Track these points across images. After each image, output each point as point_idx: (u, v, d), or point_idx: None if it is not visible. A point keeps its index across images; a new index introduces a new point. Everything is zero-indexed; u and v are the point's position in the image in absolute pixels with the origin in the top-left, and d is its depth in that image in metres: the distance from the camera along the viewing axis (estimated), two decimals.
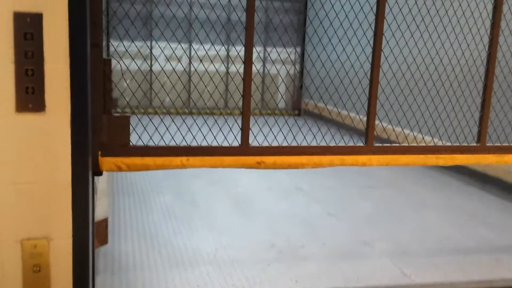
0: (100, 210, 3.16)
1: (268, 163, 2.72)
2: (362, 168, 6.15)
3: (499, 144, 3.02)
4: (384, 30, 2.72)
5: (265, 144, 2.74)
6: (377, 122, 2.83)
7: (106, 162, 2.44)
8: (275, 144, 2.75)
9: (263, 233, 3.87)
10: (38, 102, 2.14)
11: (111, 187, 4.85)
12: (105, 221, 3.14)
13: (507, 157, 3.00)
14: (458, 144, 2.95)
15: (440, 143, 3.04)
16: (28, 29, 2.06)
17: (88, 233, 2.27)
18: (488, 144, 2.98)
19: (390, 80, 3.23)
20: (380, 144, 2.82)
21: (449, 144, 2.96)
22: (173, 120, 2.71)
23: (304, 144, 2.78)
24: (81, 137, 2.19)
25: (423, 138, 3.51)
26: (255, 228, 3.98)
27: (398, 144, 2.85)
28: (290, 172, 5.88)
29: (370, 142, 2.81)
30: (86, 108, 2.18)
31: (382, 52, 2.74)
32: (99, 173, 2.42)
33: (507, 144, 3.04)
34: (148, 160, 2.53)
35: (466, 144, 2.98)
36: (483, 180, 5.37)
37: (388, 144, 2.83)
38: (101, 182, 3.21)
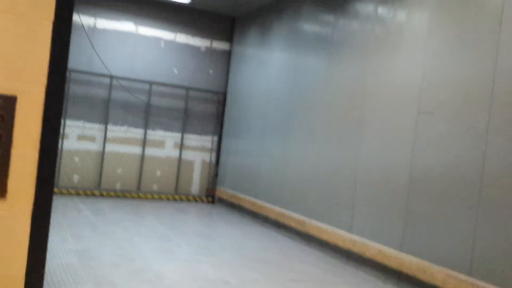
0: None
1: None
2: (284, 261, 6.21)
3: None
4: None
5: None
6: None
7: None
8: None
9: None
10: None
11: None
12: None
13: None
14: None
15: None
16: None
17: None
18: None
19: None
20: None
21: None
22: None
23: None
24: (41, 229, 2.04)
25: None
26: None
27: None
28: (215, 264, 5.77)
29: None
30: (51, 196, 2.06)
31: None
32: None
33: None
34: None
35: None
36: (398, 277, 5.65)
37: None
38: None
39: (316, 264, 6.37)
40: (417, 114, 5.63)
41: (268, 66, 9.30)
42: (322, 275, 5.89)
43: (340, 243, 6.56)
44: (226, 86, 11.01)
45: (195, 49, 10.85)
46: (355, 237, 6.31)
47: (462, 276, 4.81)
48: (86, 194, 9.90)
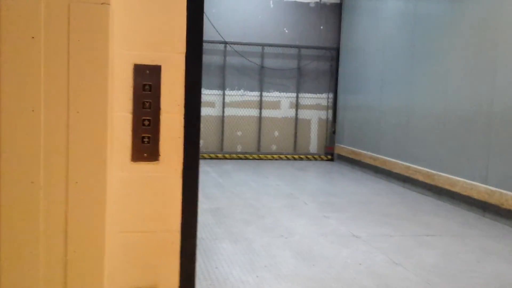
0: None
1: None
2: (415, 215, 6.05)
3: None
4: None
5: None
6: None
7: None
8: None
9: (333, 282, 3.78)
10: (153, 152, 2.14)
11: None
12: None
13: None
14: None
15: None
16: (147, 80, 2.10)
17: (193, 282, 2.22)
18: None
19: None
20: None
21: None
22: None
23: None
24: (191, 187, 2.18)
25: None
26: (323, 280, 3.88)
27: None
28: (343, 220, 5.80)
29: None
30: (197, 157, 2.18)
31: None
32: None
33: None
34: None
35: None
36: None
37: None
38: None
39: (450, 217, 6.11)
40: None
41: (384, 15, 8.87)
42: (458, 228, 5.65)
43: (475, 195, 6.21)
44: (339, 41, 10.75)
45: (304, 5, 10.67)
46: (491, 188, 5.93)
47: None
48: (210, 157, 10.41)
